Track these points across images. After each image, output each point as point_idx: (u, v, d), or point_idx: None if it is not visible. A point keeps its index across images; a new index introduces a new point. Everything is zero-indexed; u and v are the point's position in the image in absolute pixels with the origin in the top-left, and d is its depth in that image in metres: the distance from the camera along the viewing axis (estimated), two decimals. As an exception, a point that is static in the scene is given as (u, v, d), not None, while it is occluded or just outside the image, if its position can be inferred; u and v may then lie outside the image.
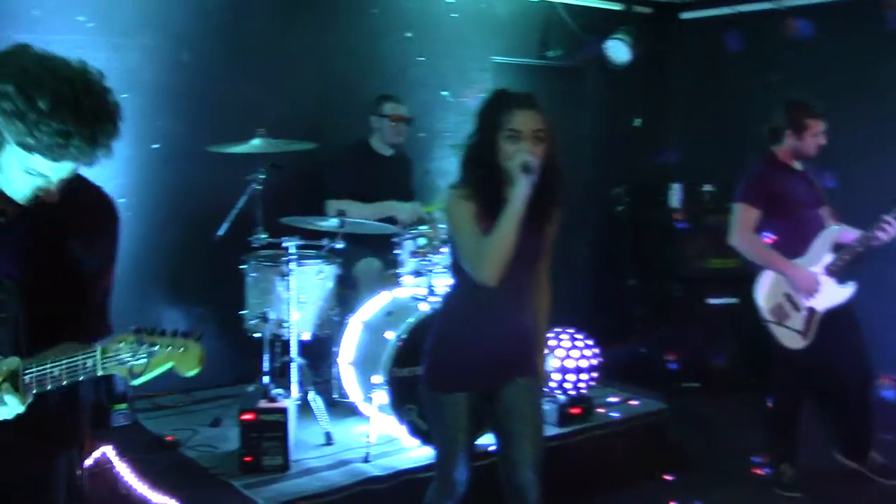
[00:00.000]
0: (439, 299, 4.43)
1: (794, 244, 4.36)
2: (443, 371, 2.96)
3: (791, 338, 4.33)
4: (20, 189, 1.89)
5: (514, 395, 2.94)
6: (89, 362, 1.84)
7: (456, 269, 2.97)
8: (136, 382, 1.84)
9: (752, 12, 6.57)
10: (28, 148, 1.79)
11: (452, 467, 2.98)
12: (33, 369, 1.87)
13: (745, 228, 4.36)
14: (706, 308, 6.31)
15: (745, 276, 6.31)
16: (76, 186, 1.98)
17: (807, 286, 4.27)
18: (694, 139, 7.13)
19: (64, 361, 1.86)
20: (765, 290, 4.43)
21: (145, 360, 1.82)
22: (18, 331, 1.92)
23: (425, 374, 3.01)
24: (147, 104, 4.92)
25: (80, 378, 1.86)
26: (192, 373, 1.83)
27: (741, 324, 6.24)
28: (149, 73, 4.93)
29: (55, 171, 1.85)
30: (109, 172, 4.93)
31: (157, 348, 1.82)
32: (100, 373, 1.84)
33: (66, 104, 1.76)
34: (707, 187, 6.53)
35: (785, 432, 4.48)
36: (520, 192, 2.71)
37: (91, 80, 1.83)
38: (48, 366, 1.87)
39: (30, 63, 1.79)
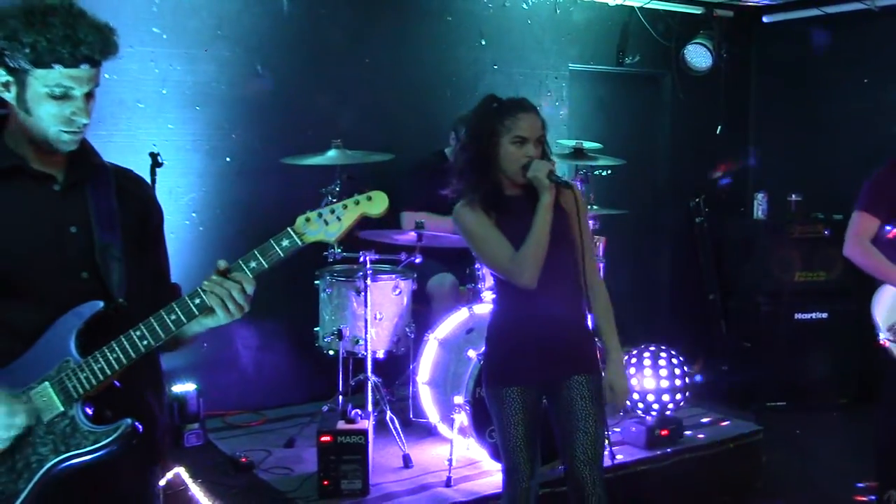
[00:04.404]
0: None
1: None
2: (495, 367, 3.03)
3: None
4: (53, 130, 1.88)
5: (571, 392, 2.95)
6: (286, 241, 1.98)
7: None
8: (335, 239, 2.00)
9: (840, 13, 6.27)
10: (43, 56, 1.81)
11: (515, 460, 2.96)
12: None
13: (858, 237, 3.89)
14: (794, 323, 6.02)
15: (834, 290, 6.11)
16: (110, 166, 2.06)
17: None
18: (779, 147, 6.83)
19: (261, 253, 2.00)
20: (885, 307, 4.06)
21: (338, 221, 1.98)
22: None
23: (482, 372, 3.10)
24: (221, 117, 4.87)
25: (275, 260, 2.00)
26: (381, 210, 1.99)
27: (831, 340, 5.97)
28: (223, 86, 4.87)
29: (77, 81, 1.87)
30: (182, 188, 4.91)
31: (344, 209, 1.98)
32: (301, 245, 2.00)
33: (57, 6, 1.83)
34: (794, 197, 6.24)
35: (893, 456, 4.17)
36: (548, 198, 2.86)
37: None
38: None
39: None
